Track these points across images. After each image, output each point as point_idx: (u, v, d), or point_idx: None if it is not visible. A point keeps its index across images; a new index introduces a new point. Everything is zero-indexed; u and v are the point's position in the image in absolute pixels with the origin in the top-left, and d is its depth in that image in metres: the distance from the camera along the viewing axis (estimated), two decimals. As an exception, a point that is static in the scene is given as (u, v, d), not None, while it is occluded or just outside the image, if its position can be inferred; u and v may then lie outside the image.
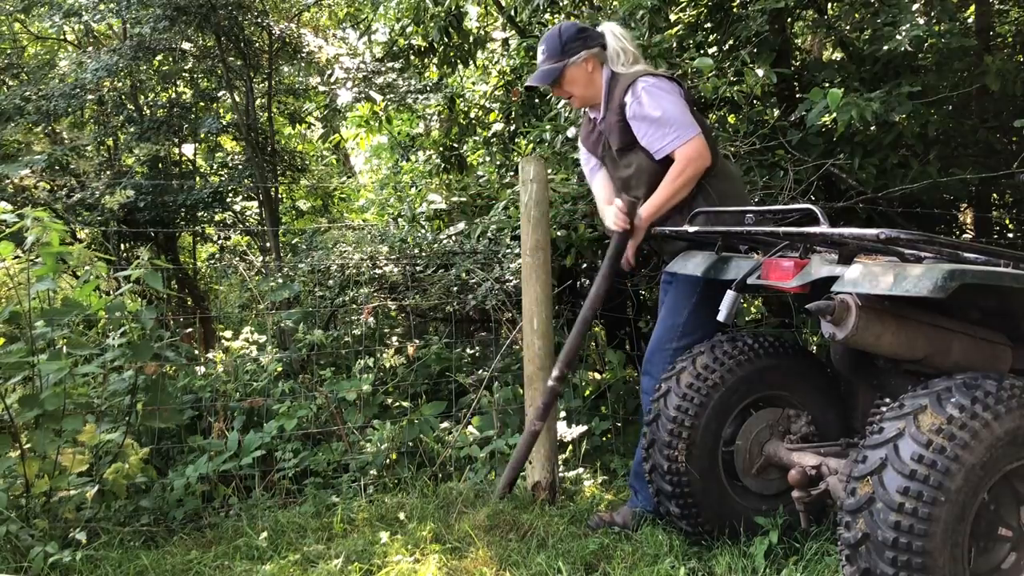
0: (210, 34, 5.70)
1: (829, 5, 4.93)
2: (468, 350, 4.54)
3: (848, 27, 4.53)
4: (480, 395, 3.77)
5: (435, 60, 5.99)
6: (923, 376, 2.28)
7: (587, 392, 4.05)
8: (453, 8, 5.26)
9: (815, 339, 4.20)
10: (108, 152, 6.61)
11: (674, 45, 4.05)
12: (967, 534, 1.94)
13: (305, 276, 4.68)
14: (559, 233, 3.80)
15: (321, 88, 6.29)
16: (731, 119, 4.52)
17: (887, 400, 2.51)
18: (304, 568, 2.67)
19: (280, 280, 4.75)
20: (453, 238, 4.30)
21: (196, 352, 4.43)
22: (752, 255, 2.65)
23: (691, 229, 2.65)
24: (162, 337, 3.35)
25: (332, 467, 3.56)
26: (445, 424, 3.83)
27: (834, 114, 3.46)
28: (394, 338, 4.59)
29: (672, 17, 4.44)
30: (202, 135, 6.57)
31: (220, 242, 7.60)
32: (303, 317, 4.39)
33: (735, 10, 4.21)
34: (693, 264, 2.71)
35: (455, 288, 4.19)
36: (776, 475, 2.73)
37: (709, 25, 4.38)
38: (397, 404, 3.97)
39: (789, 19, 4.65)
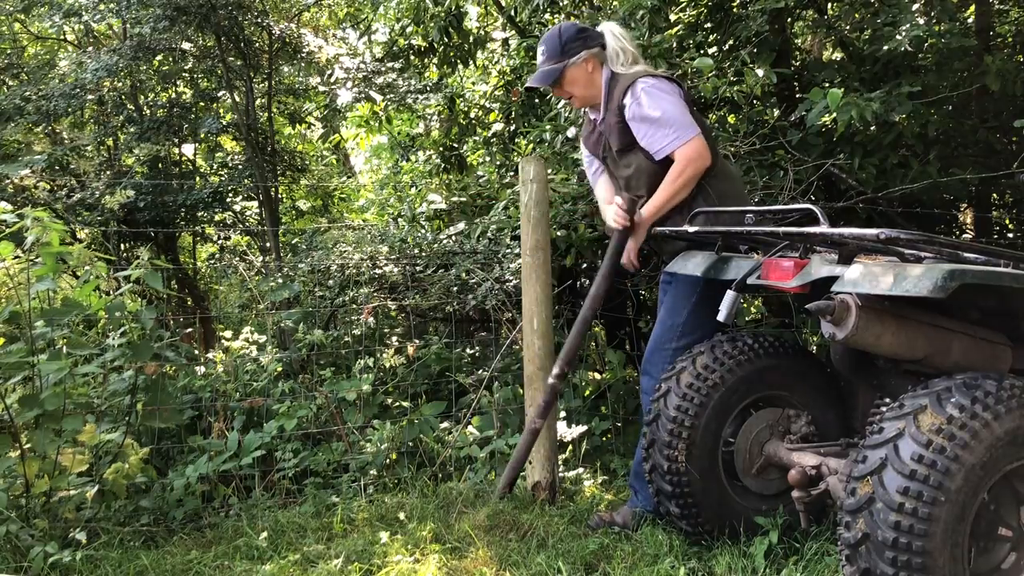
0: (210, 34, 5.70)
1: (829, 5, 4.93)
2: (468, 350, 4.54)
3: (848, 27, 4.53)
4: (480, 395, 3.77)
5: (435, 60, 5.99)
6: (923, 376, 2.28)
7: (587, 392, 4.05)
8: (453, 8, 5.26)
9: (815, 339, 4.20)
10: (108, 152, 6.62)
11: (674, 45, 4.05)
12: (967, 534, 1.94)
13: (305, 276, 4.68)
14: (559, 233, 3.80)
15: (321, 88, 6.29)
16: (731, 119, 4.52)
17: (887, 400, 2.51)
18: (304, 568, 2.67)
19: (280, 280, 4.75)
20: (453, 238, 4.30)
21: (196, 352, 4.43)
22: (752, 255, 2.65)
23: (691, 229, 2.65)
24: (162, 337, 3.35)
25: (332, 467, 3.56)
26: (445, 424, 3.83)
27: (834, 114, 3.46)
28: (394, 338, 4.59)
29: (672, 17, 4.44)
30: (202, 135, 6.57)
31: (220, 242, 7.60)
32: (303, 317, 4.39)
33: (735, 10, 4.21)
34: (693, 264, 2.71)
35: (455, 288, 4.19)
36: (776, 475, 2.73)
37: (709, 25, 4.38)
38: (397, 404, 3.97)
39: (789, 19, 4.65)
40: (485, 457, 3.54)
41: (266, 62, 6.18)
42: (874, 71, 4.22)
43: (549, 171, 3.63)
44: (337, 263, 4.59)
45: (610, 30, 2.96)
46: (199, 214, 6.63)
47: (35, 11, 6.56)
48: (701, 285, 2.83)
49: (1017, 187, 4.83)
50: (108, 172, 6.12)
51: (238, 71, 6.05)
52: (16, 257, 3.00)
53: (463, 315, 4.64)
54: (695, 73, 3.77)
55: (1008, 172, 4.29)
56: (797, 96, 4.43)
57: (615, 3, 4.53)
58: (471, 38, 5.79)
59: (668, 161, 2.82)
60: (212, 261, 7.74)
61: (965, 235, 5.51)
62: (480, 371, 4.19)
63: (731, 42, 4.17)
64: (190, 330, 4.67)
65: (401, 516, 3.03)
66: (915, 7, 4.07)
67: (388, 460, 3.54)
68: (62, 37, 7.34)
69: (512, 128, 5.44)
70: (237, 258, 6.94)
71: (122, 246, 6.27)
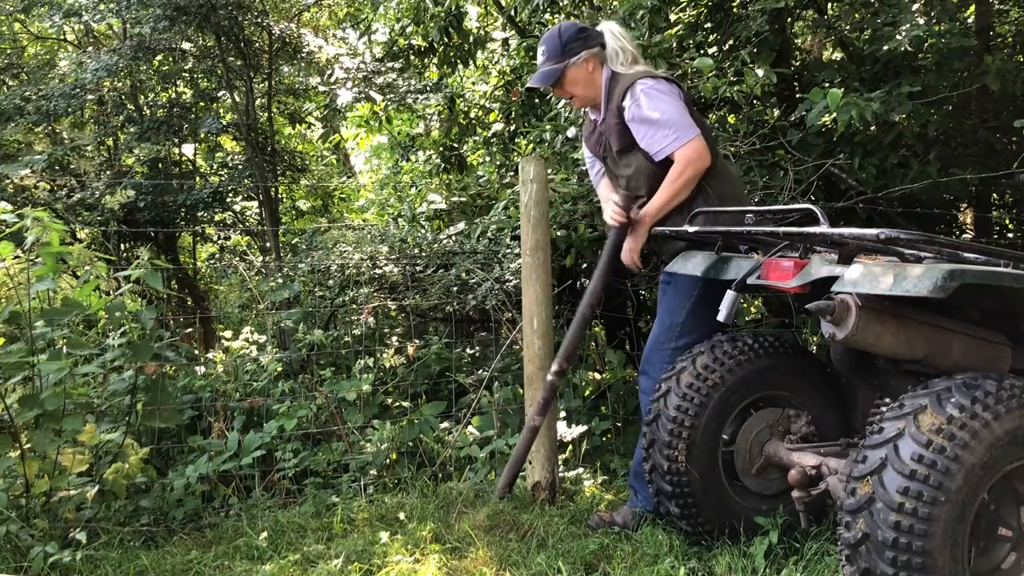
0: (210, 34, 5.70)
1: (829, 5, 4.93)
2: (468, 350, 4.54)
3: (848, 27, 4.53)
4: (480, 395, 3.77)
5: (435, 60, 5.99)
6: (923, 376, 2.28)
7: (587, 392, 4.05)
8: (453, 8, 5.26)
9: (815, 339, 4.20)
10: (108, 152, 6.62)
11: (674, 45, 4.05)
12: (967, 534, 1.94)
13: (305, 276, 4.68)
14: (559, 233, 3.80)
15: (321, 88, 6.28)
16: (731, 119, 4.52)
17: (887, 400, 2.51)
18: (304, 568, 2.67)
19: (280, 280, 4.75)
20: (453, 238, 4.30)
21: (196, 352, 4.43)
22: (752, 255, 2.65)
23: (691, 229, 2.65)
24: (162, 337, 3.35)
25: (332, 467, 3.56)
26: (445, 424, 3.83)
27: (834, 114, 3.46)
28: (394, 338, 4.59)
29: (672, 17, 4.44)
30: (202, 135, 6.57)
31: (220, 242, 7.60)
32: (303, 317, 4.39)
33: (735, 10, 4.21)
34: (693, 264, 2.71)
35: (455, 288, 4.19)
36: (776, 475, 2.73)
37: (709, 25, 4.38)
38: (397, 404, 3.97)
39: (789, 19, 4.65)
40: (485, 457, 3.54)
41: (266, 62, 6.18)
42: (874, 71, 4.22)
43: (549, 171, 3.63)
44: (337, 263, 4.59)
45: (609, 29, 2.96)
46: (199, 214, 6.63)
47: (35, 11, 6.56)
48: (700, 285, 2.83)
49: (1017, 187, 4.83)
50: (108, 172, 6.12)
51: (238, 71, 6.05)
52: (16, 257, 3.00)
53: (463, 315, 4.64)
54: (695, 73, 3.77)
55: (1008, 172, 4.29)
56: (797, 96, 4.43)
57: (615, 3, 4.53)
58: (471, 38, 5.79)
59: (668, 162, 2.82)
60: (212, 261, 7.74)
61: (965, 235, 5.51)
62: (480, 371, 4.19)
63: (731, 42, 4.17)
64: (190, 330, 4.67)
65: (401, 516, 3.03)
66: (915, 7, 4.07)
67: (388, 460, 3.54)
68: (62, 37, 7.34)
69: (512, 128, 5.44)
70: (237, 258, 6.94)
71: (122, 246, 6.27)
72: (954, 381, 2.04)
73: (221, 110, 6.67)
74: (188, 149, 6.98)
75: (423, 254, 4.35)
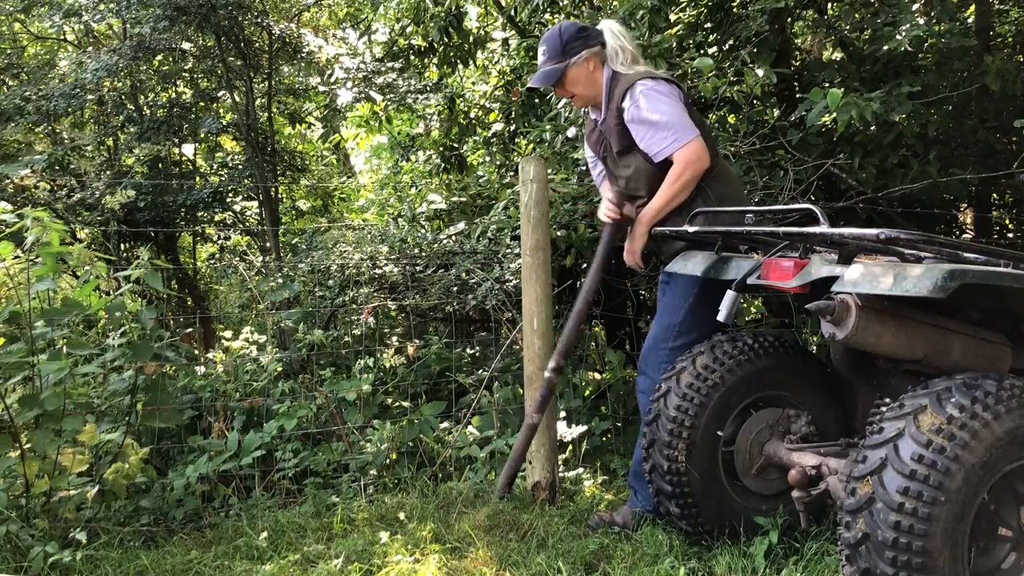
0: (210, 34, 5.70)
1: (829, 5, 4.93)
2: (468, 350, 4.54)
3: (848, 27, 4.53)
4: (480, 395, 3.77)
5: (435, 60, 5.98)
6: (923, 376, 2.28)
7: (587, 392, 4.05)
8: (453, 8, 5.26)
9: (815, 339, 4.20)
10: (108, 152, 6.61)
11: (674, 45, 4.05)
12: (967, 534, 1.94)
13: (305, 276, 4.68)
14: (559, 233, 3.80)
15: (321, 88, 6.28)
16: (731, 119, 4.51)
17: (887, 400, 2.51)
18: (304, 568, 2.67)
19: (280, 280, 4.75)
20: (453, 238, 4.30)
21: (196, 352, 4.43)
22: (752, 255, 2.65)
23: (691, 229, 2.65)
24: (162, 337, 3.35)
25: (332, 467, 3.56)
26: (445, 424, 3.83)
27: (834, 114, 3.46)
28: (394, 338, 4.59)
29: (672, 17, 4.44)
30: (202, 135, 6.57)
31: (220, 242, 7.60)
32: (303, 317, 4.39)
33: (735, 10, 4.21)
34: (693, 264, 2.71)
35: (455, 288, 4.19)
36: (776, 475, 2.73)
37: (709, 25, 4.38)
38: (397, 404, 3.98)
39: (789, 19, 4.65)
40: (485, 457, 3.54)
41: (266, 62, 6.18)
42: (874, 71, 4.22)
43: (549, 171, 3.63)
44: (337, 263, 4.59)
45: (609, 28, 2.96)
46: (199, 214, 6.63)
47: (35, 11, 6.55)
48: (699, 285, 2.83)
49: (1017, 187, 4.83)
50: (108, 172, 6.12)
51: (238, 71, 6.05)
52: (16, 257, 3.00)
53: (463, 315, 4.64)
54: (695, 73, 3.77)
55: (1008, 172, 4.29)
56: (797, 96, 4.43)
57: (615, 3, 4.53)
58: (471, 38, 5.79)
59: (667, 163, 2.83)
60: (212, 261, 7.74)
61: (965, 235, 5.51)
62: (480, 371, 4.19)
63: (731, 42, 4.17)
64: (190, 330, 4.66)
65: (401, 516, 3.03)
66: (915, 7, 4.07)
67: (388, 460, 3.54)
68: (62, 37, 7.34)
69: (512, 128, 5.44)
70: (237, 258, 6.95)
71: (122, 246, 6.26)
72: (954, 381, 2.04)
73: (221, 110, 6.67)
74: (188, 149, 6.97)
75: (423, 254, 4.35)
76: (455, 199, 4.73)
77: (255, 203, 7.16)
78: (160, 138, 6.02)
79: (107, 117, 6.47)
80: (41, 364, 2.88)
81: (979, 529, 2.01)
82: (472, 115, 6.16)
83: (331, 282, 4.56)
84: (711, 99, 3.94)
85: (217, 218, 7.16)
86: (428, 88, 6.03)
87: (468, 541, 2.79)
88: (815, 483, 2.50)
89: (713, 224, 2.72)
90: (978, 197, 5.26)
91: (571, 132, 4.11)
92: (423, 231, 4.56)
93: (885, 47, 3.84)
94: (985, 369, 2.29)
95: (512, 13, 5.41)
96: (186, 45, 6.11)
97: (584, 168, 3.96)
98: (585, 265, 4.37)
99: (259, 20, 5.85)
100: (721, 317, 2.50)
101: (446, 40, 5.56)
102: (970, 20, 5.17)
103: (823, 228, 2.14)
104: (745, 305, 4.99)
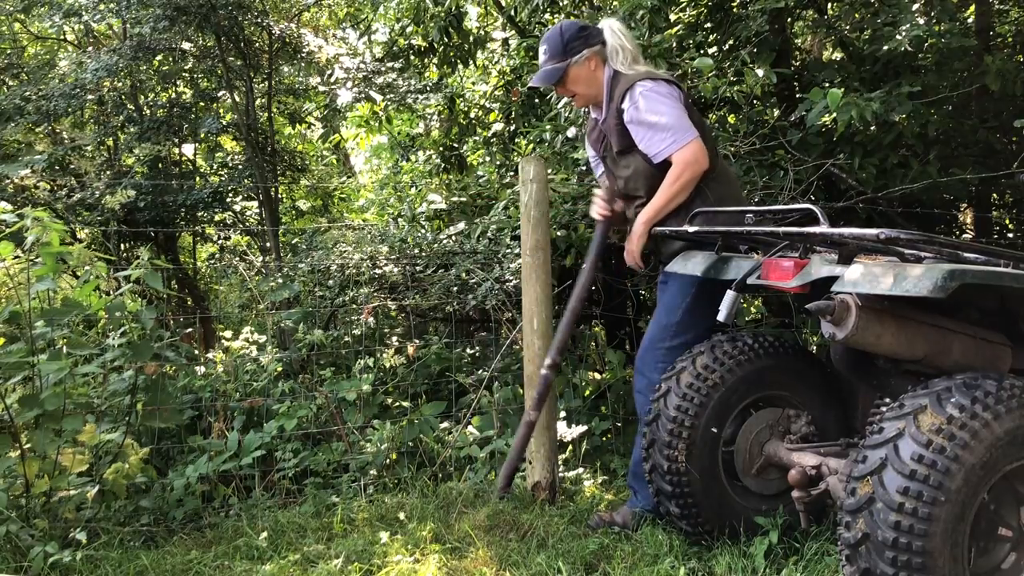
0: (210, 34, 5.70)
1: (829, 5, 4.93)
2: (468, 350, 4.54)
3: (848, 27, 4.52)
4: (480, 395, 3.77)
5: (435, 60, 5.98)
6: (923, 376, 2.28)
7: (587, 392, 4.05)
8: (453, 8, 5.26)
9: (815, 339, 4.20)
10: (108, 152, 6.61)
11: (674, 45, 4.05)
12: (967, 534, 1.94)
13: (305, 276, 4.68)
14: (559, 233, 3.80)
15: (321, 88, 6.28)
16: (731, 119, 4.51)
17: (887, 400, 2.51)
18: (304, 568, 2.67)
19: (280, 280, 4.75)
20: (453, 238, 4.30)
21: (196, 352, 4.43)
22: (752, 255, 2.65)
23: (691, 229, 2.65)
24: (162, 337, 3.35)
25: (332, 467, 3.56)
26: (445, 424, 3.83)
27: (834, 114, 3.46)
28: (394, 338, 4.59)
29: (672, 17, 4.44)
30: (202, 135, 6.57)
31: (220, 242, 7.60)
32: (303, 317, 4.39)
33: (735, 10, 4.21)
34: (693, 264, 2.71)
35: (455, 288, 4.19)
36: (776, 475, 2.73)
37: (709, 25, 4.38)
38: (397, 404, 3.98)
39: (789, 19, 4.65)
40: (485, 457, 3.54)
41: (266, 62, 6.18)
42: (874, 71, 4.22)
43: (549, 171, 3.63)
44: (337, 263, 4.59)
45: (609, 27, 2.96)
46: (199, 214, 6.62)
47: (35, 11, 6.55)
48: (696, 286, 2.84)
49: (1017, 187, 4.83)
50: (108, 172, 6.12)
51: (238, 71, 6.05)
52: (16, 257, 3.00)
53: (463, 315, 4.64)
54: (695, 73, 3.77)
55: (1008, 172, 4.29)
56: (797, 96, 4.43)
57: (615, 3, 4.53)
58: (471, 38, 5.79)
59: (666, 164, 2.83)
60: (212, 261, 7.74)
61: (965, 235, 5.51)
62: (480, 371, 4.19)
63: (731, 42, 4.17)
64: (190, 330, 4.66)
65: (401, 516, 3.03)
66: (915, 7, 4.07)
67: (388, 460, 3.54)
68: (62, 37, 7.34)
69: (512, 128, 5.44)
70: (237, 258, 6.94)
71: (122, 246, 6.26)
72: (954, 381, 2.04)
73: (221, 110, 6.67)
74: (188, 149, 6.97)
75: (423, 254, 4.35)
76: (455, 199, 4.73)
77: (255, 203, 7.16)
78: (160, 138, 6.02)
79: (107, 117, 6.46)
80: (41, 364, 2.88)
81: (979, 529, 2.01)
82: (472, 115, 6.16)
83: (331, 282, 4.56)
84: (711, 99, 3.94)
85: (217, 218, 7.15)
86: (428, 88, 6.03)
87: (468, 541, 2.79)
88: (815, 483, 2.50)
89: (712, 224, 2.72)
90: (978, 197, 5.26)
91: (571, 132, 4.11)
92: (423, 231, 4.56)
93: (885, 47, 3.84)
94: (985, 369, 2.29)
95: (512, 13, 5.41)
96: (186, 45, 6.11)
97: (584, 168, 3.96)
98: (585, 265, 4.37)
99: (259, 20, 5.85)
100: (721, 317, 2.50)
101: (446, 40, 5.56)
102: (970, 20, 5.17)
103: (823, 228, 2.14)
104: (745, 305, 4.99)
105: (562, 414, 3.81)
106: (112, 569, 2.65)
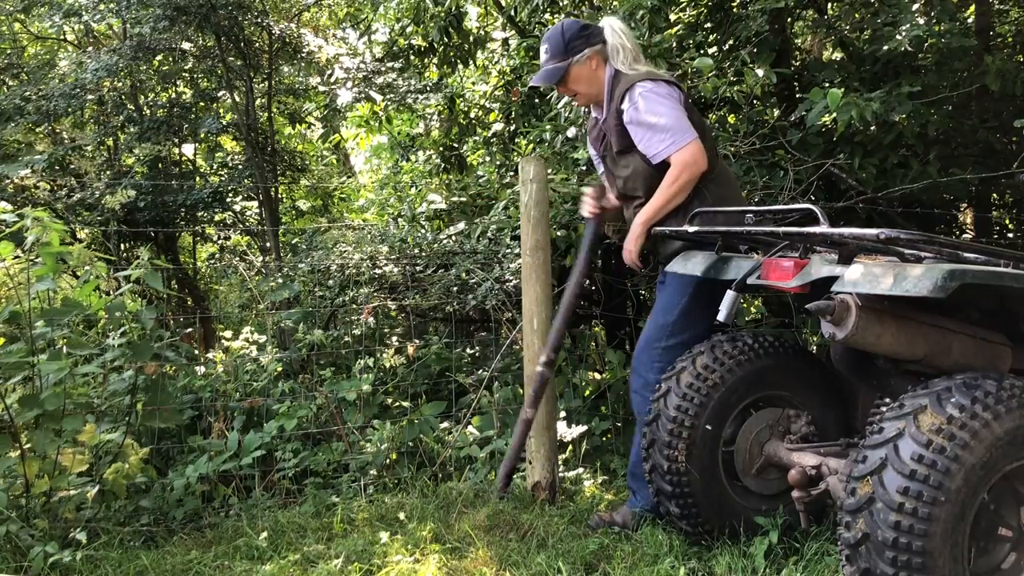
0: (210, 34, 5.70)
1: (829, 5, 4.93)
2: (468, 350, 4.54)
3: (848, 27, 4.52)
4: (480, 395, 3.77)
5: (435, 60, 5.98)
6: (923, 376, 2.28)
7: (587, 392, 4.05)
8: (453, 8, 5.26)
9: (815, 339, 4.20)
10: (108, 152, 6.61)
11: (674, 45, 4.05)
12: (967, 534, 1.94)
13: (305, 276, 4.68)
14: (559, 233, 3.80)
15: (321, 88, 6.28)
16: (731, 119, 4.51)
17: (887, 400, 2.51)
18: (304, 568, 2.67)
19: (280, 280, 4.75)
20: (453, 238, 4.30)
21: (196, 352, 4.43)
22: (752, 255, 2.65)
23: (691, 229, 2.65)
24: (162, 337, 3.35)
25: (332, 467, 3.56)
26: (445, 424, 3.83)
27: (834, 114, 3.46)
28: (394, 338, 4.59)
29: (672, 17, 4.44)
30: (202, 135, 6.56)
31: (220, 242, 7.60)
32: (303, 317, 4.39)
33: (735, 10, 4.21)
34: (693, 264, 2.71)
35: (455, 288, 4.19)
36: (776, 475, 2.73)
37: (709, 25, 4.38)
38: (397, 404, 3.98)
39: (789, 19, 4.65)
40: (485, 457, 3.54)
41: (266, 62, 6.18)
42: (874, 71, 4.22)
43: (549, 171, 3.63)
44: (337, 263, 4.59)
45: (610, 25, 2.96)
46: (199, 214, 6.62)
47: (35, 11, 6.55)
48: (693, 286, 2.84)
49: (1017, 187, 4.83)
50: (108, 172, 6.12)
51: (238, 71, 6.05)
52: (16, 257, 3.00)
53: (463, 315, 4.64)
54: (695, 73, 3.77)
55: (1008, 172, 4.29)
56: (797, 96, 4.43)
57: (615, 3, 4.53)
58: (471, 38, 5.79)
59: (665, 165, 2.83)
60: (212, 261, 7.74)
61: (965, 235, 5.51)
62: (480, 371, 4.19)
63: (731, 42, 4.17)
64: (190, 330, 4.67)
65: (401, 516, 3.03)
66: (915, 7, 4.07)
67: (388, 460, 3.54)
68: (62, 37, 7.34)
69: (512, 128, 5.44)
70: (237, 258, 6.94)
71: (122, 246, 6.26)
72: (954, 381, 2.04)
73: (221, 110, 6.67)
74: (188, 149, 6.97)
75: (423, 254, 4.35)
76: (455, 199, 4.73)
77: (255, 203, 7.16)
78: (160, 138, 6.02)
79: (107, 117, 6.46)
80: (41, 364, 2.88)
81: (979, 529, 2.01)
82: (472, 115, 6.16)
83: (331, 282, 4.56)
84: (711, 99, 3.94)
85: (217, 218, 7.15)
86: (428, 88, 6.03)
87: (468, 541, 2.79)
88: (815, 483, 2.50)
89: (712, 224, 2.72)
90: (978, 197, 5.26)
91: (571, 132, 4.11)
92: (423, 231, 4.56)
93: (885, 47, 3.84)
94: (985, 369, 2.29)
95: (512, 13, 5.41)
96: (186, 45, 6.11)
97: (584, 168, 3.96)
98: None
99: (259, 20, 5.85)
100: (721, 317, 2.50)
101: (446, 40, 5.56)
102: (970, 20, 5.17)
103: (823, 228, 2.14)
104: (745, 305, 4.99)
105: (562, 414, 3.81)
106: (112, 569, 2.65)
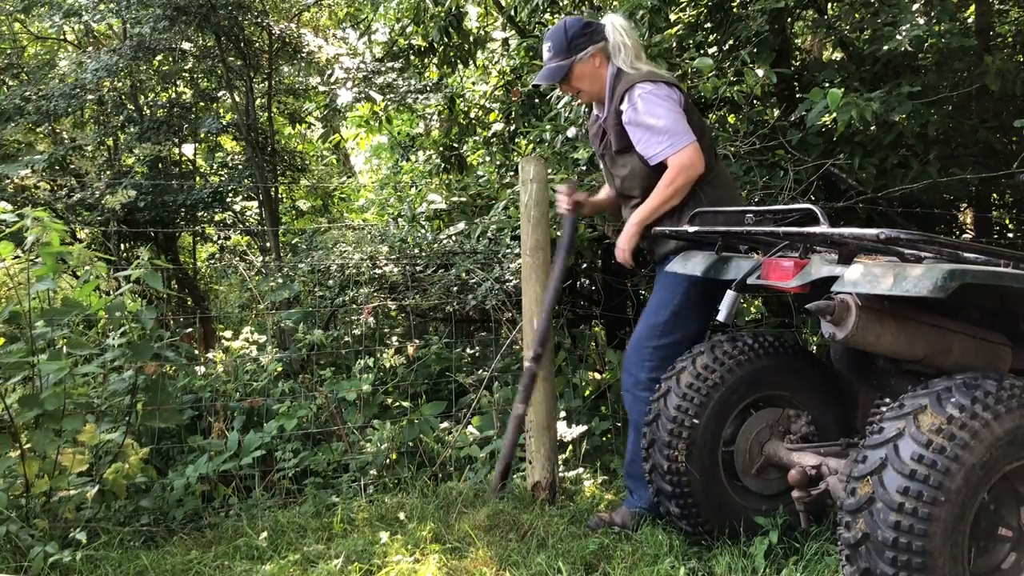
0: (210, 34, 5.70)
1: (829, 5, 4.93)
2: (468, 350, 4.54)
3: (848, 27, 4.52)
4: (480, 395, 3.77)
5: (435, 60, 5.98)
6: (923, 376, 2.28)
7: (587, 392, 4.05)
8: (453, 8, 5.25)
9: (815, 339, 4.20)
10: (108, 152, 6.61)
11: (674, 45, 4.05)
12: (967, 534, 1.94)
13: (305, 276, 4.68)
14: (559, 233, 3.79)
15: (321, 88, 6.28)
16: (731, 119, 4.51)
17: (887, 400, 2.51)
18: (304, 568, 2.67)
19: (280, 280, 4.75)
20: (453, 238, 4.31)
21: (196, 352, 4.43)
22: (752, 255, 2.65)
23: (691, 229, 2.66)
24: (162, 337, 3.35)
25: (332, 467, 3.56)
26: (445, 424, 3.83)
27: (834, 114, 3.46)
28: (394, 338, 4.59)
29: (672, 17, 4.44)
30: (202, 135, 6.56)
31: (220, 242, 7.60)
32: (303, 317, 4.39)
33: (735, 10, 4.21)
34: (693, 264, 2.71)
35: (455, 288, 4.19)
36: (776, 475, 2.73)
37: (709, 25, 4.38)
38: (397, 404, 3.98)
39: (789, 19, 4.65)
40: (485, 457, 3.54)
41: (266, 62, 6.18)
42: (874, 71, 4.22)
43: (549, 171, 3.63)
44: (337, 263, 4.59)
45: (611, 23, 2.96)
46: (199, 214, 6.62)
47: (35, 11, 6.55)
48: (685, 286, 2.84)
49: (1017, 187, 4.83)
50: (108, 172, 6.12)
51: (238, 71, 6.05)
52: (16, 257, 3.00)
53: (463, 315, 4.64)
54: (695, 73, 3.77)
55: (1008, 172, 4.29)
56: (797, 96, 4.43)
57: (615, 3, 4.53)
58: (471, 38, 5.79)
59: (662, 166, 2.83)
60: (212, 261, 7.74)
61: (965, 235, 5.51)
62: (480, 371, 4.19)
63: (731, 42, 4.17)
64: (190, 330, 4.67)
65: (401, 516, 3.03)
66: (915, 7, 4.07)
67: (388, 460, 3.54)
68: (62, 37, 7.34)
69: (512, 128, 5.44)
70: (237, 258, 6.94)
71: (122, 246, 6.26)
72: (954, 381, 2.04)
73: (221, 110, 6.66)
74: (188, 149, 6.97)
75: (423, 254, 4.35)
76: (455, 199, 4.73)
77: (255, 203, 7.16)
78: (160, 138, 6.02)
79: (107, 117, 6.46)
80: (41, 364, 2.88)
81: (979, 529, 2.01)
82: (472, 115, 6.16)
83: (331, 282, 4.56)
84: (711, 99, 3.94)
85: (217, 218, 7.15)
86: (428, 88, 6.03)
87: (468, 541, 2.79)
88: (815, 483, 2.50)
89: (712, 224, 2.72)
90: (978, 197, 5.26)
91: (571, 132, 4.10)
92: (423, 231, 4.56)
93: (885, 47, 3.84)
94: (985, 369, 2.29)
95: (512, 13, 5.41)
96: (186, 45, 6.11)
97: (584, 168, 3.96)
98: (585, 265, 4.37)
99: (259, 20, 5.85)
100: (721, 317, 2.50)
101: (446, 40, 5.56)
102: (970, 20, 5.17)
103: (823, 228, 2.14)
104: (745, 305, 4.99)
105: (562, 414, 3.81)
106: (112, 569, 2.65)
